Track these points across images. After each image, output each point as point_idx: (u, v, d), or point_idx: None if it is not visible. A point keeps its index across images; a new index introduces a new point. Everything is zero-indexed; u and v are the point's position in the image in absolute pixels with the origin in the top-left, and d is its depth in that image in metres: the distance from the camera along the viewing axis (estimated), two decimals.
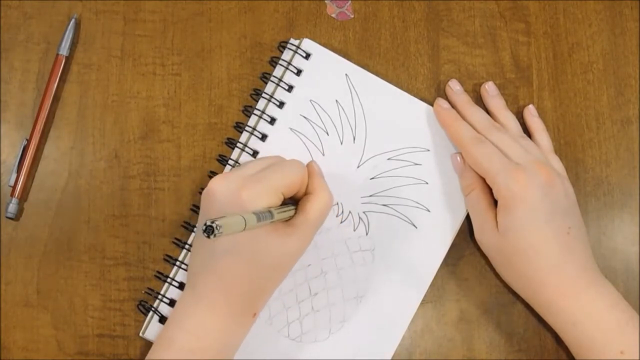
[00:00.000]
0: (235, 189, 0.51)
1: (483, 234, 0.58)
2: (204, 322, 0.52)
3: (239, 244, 0.51)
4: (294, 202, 0.56)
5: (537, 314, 0.58)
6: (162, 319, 0.58)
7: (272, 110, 0.61)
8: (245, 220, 0.47)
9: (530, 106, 0.62)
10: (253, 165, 0.55)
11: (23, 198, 0.61)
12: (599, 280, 0.56)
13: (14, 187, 0.60)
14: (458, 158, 0.60)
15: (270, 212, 0.50)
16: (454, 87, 0.62)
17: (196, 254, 0.55)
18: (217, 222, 0.44)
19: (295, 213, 0.54)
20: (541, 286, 0.55)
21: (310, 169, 0.57)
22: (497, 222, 0.56)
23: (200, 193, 0.57)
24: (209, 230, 0.43)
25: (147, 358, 0.53)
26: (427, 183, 0.61)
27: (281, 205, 0.53)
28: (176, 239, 0.60)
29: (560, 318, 0.55)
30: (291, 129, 0.61)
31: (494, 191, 0.57)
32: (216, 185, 0.52)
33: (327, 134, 0.61)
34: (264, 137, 0.61)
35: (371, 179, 0.61)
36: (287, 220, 0.54)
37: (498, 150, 0.57)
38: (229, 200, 0.51)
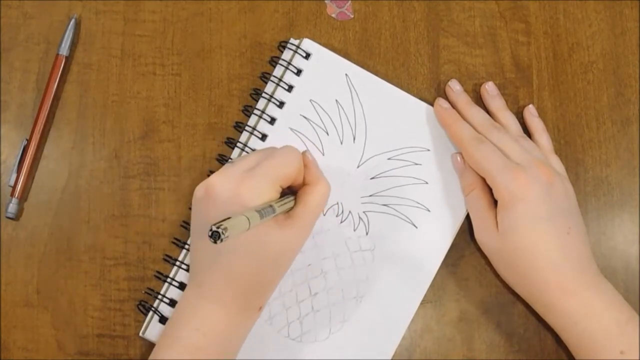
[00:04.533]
0: (234, 186, 0.51)
1: (483, 234, 0.58)
2: (211, 318, 0.52)
3: (242, 240, 0.51)
4: (291, 192, 0.56)
5: (537, 314, 0.58)
6: (162, 319, 0.58)
7: (272, 110, 0.61)
8: (249, 220, 0.47)
9: (530, 106, 0.62)
10: (248, 159, 0.54)
11: (23, 198, 0.61)
12: (598, 280, 0.56)
13: (14, 187, 0.60)
14: (458, 158, 0.60)
15: (271, 206, 0.50)
16: (454, 87, 0.62)
17: (198, 253, 0.54)
18: (222, 226, 0.44)
19: (295, 204, 0.54)
20: (541, 286, 0.55)
21: (306, 160, 0.56)
22: (497, 222, 0.56)
23: None
24: (216, 236, 0.43)
25: (151, 358, 0.53)
26: (427, 183, 0.61)
27: (280, 197, 0.53)
28: (176, 238, 0.60)
29: (560, 318, 0.55)
30: (291, 128, 0.61)
31: (494, 191, 0.57)
32: (215, 184, 0.52)
33: (327, 133, 0.61)
34: (264, 137, 0.61)
35: (371, 178, 0.61)
36: (287, 211, 0.54)
37: (498, 150, 0.57)
38: (229, 199, 0.51)
